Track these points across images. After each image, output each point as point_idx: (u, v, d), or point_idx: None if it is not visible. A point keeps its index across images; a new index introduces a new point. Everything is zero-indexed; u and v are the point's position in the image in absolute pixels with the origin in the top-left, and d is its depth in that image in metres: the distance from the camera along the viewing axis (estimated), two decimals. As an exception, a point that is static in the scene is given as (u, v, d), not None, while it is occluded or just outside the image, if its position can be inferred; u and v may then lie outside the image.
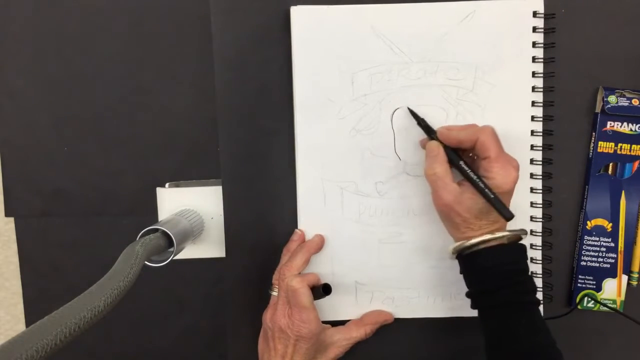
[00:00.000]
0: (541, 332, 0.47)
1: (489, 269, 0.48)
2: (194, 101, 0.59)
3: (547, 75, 0.54)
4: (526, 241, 0.55)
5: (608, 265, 0.57)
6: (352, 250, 0.57)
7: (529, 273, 0.49)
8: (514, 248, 0.49)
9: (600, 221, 0.57)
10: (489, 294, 0.48)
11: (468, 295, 0.50)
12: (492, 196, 0.46)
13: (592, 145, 0.56)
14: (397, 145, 0.55)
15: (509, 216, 0.46)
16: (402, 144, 0.55)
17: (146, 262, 0.44)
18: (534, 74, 0.54)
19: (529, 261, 0.50)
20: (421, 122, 0.53)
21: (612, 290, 0.57)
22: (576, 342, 0.59)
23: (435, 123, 0.54)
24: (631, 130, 0.55)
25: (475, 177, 0.47)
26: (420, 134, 0.53)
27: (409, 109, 0.54)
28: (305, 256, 0.54)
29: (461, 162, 0.49)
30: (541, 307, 0.56)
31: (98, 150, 0.60)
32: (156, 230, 0.49)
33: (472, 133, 0.48)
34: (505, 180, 0.47)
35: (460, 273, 0.51)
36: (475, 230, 0.48)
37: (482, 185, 0.47)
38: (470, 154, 0.51)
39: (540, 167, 0.55)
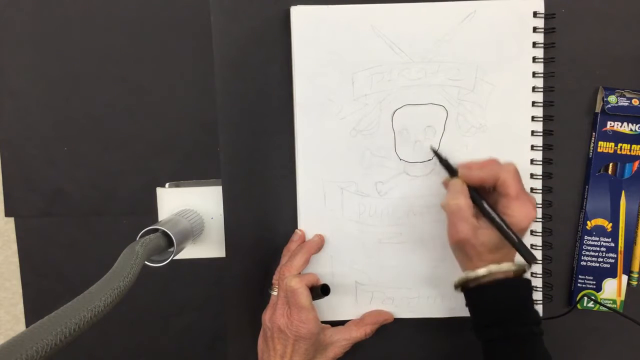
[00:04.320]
0: None
1: (493, 303, 0.48)
2: (194, 101, 0.59)
3: (547, 75, 0.54)
4: (526, 241, 0.55)
5: (608, 265, 0.57)
6: (352, 250, 0.57)
7: (534, 306, 0.49)
8: (519, 282, 0.48)
9: (600, 221, 0.57)
10: (492, 327, 0.48)
11: (472, 327, 0.50)
12: (516, 240, 0.46)
13: (592, 145, 0.56)
14: (397, 145, 0.55)
15: (533, 261, 0.46)
16: (402, 144, 0.55)
17: (146, 262, 0.45)
18: (534, 74, 0.54)
19: (533, 293, 0.50)
20: (444, 162, 0.52)
21: (612, 290, 0.57)
22: (576, 342, 0.59)
23: (435, 122, 0.54)
24: (631, 130, 0.55)
25: (499, 220, 0.47)
26: (420, 137, 0.53)
27: (432, 149, 0.54)
28: (305, 256, 0.54)
29: (485, 204, 0.48)
30: (541, 308, 0.57)
31: (98, 150, 0.60)
32: (156, 230, 0.49)
33: (493, 171, 0.48)
34: (524, 219, 0.47)
35: (466, 306, 0.50)
36: (486, 262, 0.48)
37: (505, 228, 0.46)
38: (487, 187, 0.50)
39: (540, 167, 0.55)
